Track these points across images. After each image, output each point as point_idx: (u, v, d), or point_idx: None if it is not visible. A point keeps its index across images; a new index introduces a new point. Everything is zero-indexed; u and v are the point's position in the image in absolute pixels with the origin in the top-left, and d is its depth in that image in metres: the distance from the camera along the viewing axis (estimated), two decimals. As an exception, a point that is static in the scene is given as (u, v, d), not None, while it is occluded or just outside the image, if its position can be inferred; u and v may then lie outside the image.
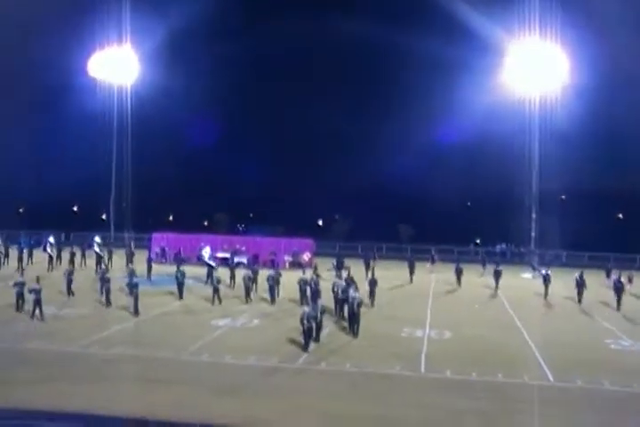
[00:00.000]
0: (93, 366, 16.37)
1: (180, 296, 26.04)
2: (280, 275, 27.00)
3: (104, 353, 17.48)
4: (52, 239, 35.99)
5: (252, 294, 26.44)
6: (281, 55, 62.00)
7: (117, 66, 53.89)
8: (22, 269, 32.71)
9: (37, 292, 21.26)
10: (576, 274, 28.85)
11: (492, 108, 49.82)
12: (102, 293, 24.17)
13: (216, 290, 25.20)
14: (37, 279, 22.02)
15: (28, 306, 21.83)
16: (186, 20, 54.73)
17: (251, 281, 26.65)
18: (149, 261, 32.36)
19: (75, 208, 75.65)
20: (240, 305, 25.31)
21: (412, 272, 34.40)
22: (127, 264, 32.12)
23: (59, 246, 36.24)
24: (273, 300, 25.78)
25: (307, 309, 18.81)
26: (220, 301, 25.11)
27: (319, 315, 19.23)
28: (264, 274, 27.35)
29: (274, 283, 25.98)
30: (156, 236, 40.57)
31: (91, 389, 14.57)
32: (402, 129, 59.18)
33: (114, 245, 39.25)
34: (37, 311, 21.23)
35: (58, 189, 56.12)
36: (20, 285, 22.22)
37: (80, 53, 55.17)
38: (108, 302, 23.85)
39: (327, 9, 57.61)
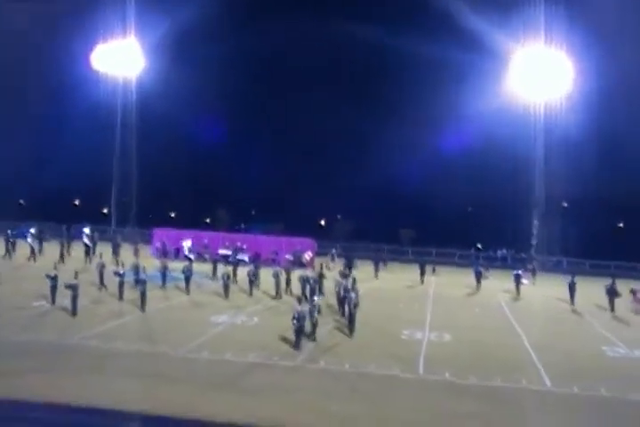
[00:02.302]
0: (91, 360, 16.35)
1: (187, 291, 26.19)
2: (281, 272, 27.26)
3: (103, 347, 17.47)
4: (32, 230, 35.65)
5: (254, 289, 26.94)
6: (288, 52, 61.86)
7: (122, 58, 53.86)
8: (10, 259, 33.24)
9: (75, 288, 21.13)
10: (608, 282, 28.69)
11: (497, 113, 49.83)
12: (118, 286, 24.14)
13: (226, 285, 25.67)
14: (76, 275, 21.97)
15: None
16: (191, 12, 54.65)
17: (254, 277, 27.17)
18: (136, 251, 33.29)
19: (76, 202, 75.68)
20: (243, 301, 25.53)
21: (422, 273, 35.10)
22: (114, 256, 32.76)
23: (40, 237, 36.10)
24: (277, 294, 26.32)
25: (299, 308, 18.78)
26: (227, 296, 25.54)
27: (315, 314, 19.24)
28: (267, 272, 27.78)
29: (278, 279, 26.49)
30: (157, 231, 40.59)
31: (85, 381, 14.56)
32: (406, 132, 59.13)
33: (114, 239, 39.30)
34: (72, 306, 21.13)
35: (59, 182, 56.09)
36: (54, 278, 22.21)
37: (84, 46, 55.24)
38: (121, 296, 23.88)
39: (334, 9, 57.64)
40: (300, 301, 19.19)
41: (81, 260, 33.46)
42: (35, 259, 33.23)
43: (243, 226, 66.44)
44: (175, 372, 15.72)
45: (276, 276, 26.58)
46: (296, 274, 27.48)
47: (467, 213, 67.30)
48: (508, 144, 49.12)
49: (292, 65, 62.90)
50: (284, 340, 19.02)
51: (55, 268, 23.32)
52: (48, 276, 22.41)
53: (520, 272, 32.65)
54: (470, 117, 53.14)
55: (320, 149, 64.25)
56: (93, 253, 34.67)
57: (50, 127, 58.08)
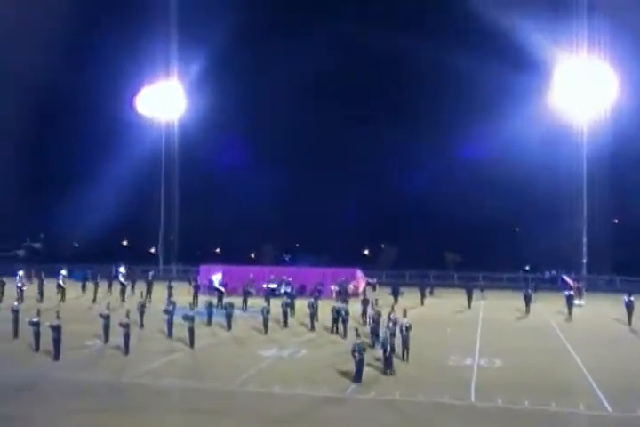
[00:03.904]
0: (142, 397, 16.58)
1: (229, 327, 26.38)
2: (318, 303, 27.44)
3: (153, 384, 17.70)
4: (64, 272, 37.77)
5: (289, 321, 27.24)
6: (323, 77, 61.92)
7: (164, 100, 55.73)
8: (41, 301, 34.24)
9: (125, 326, 21.71)
10: None
11: (541, 130, 49.05)
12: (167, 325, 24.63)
13: (265, 320, 25.73)
14: (127, 313, 22.45)
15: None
16: (226, 49, 56.36)
17: (288, 307, 27.62)
18: (169, 288, 34.02)
19: (124, 242, 77.54)
20: (283, 333, 25.72)
21: (469, 298, 34.86)
22: (147, 295, 33.46)
23: (85, 279, 39.06)
24: (312, 327, 26.33)
25: (357, 340, 18.63)
26: (267, 330, 25.60)
27: (388, 346, 18.93)
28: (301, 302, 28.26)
29: (314, 311, 26.57)
30: (203, 268, 41.19)
31: (137, 420, 14.76)
32: (446, 153, 58.85)
33: (160, 278, 40.51)
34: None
35: (107, 224, 57.62)
36: (107, 317, 22.89)
37: (128, 90, 57.35)
38: (170, 333, 24.30)
39: (360, 25, 57.18)
40: (357, 333, 19.09)
41: (117, 299, 34.52)
42: (63, 299, 35.01)
43: (287, 258, 66.84)
44: (232, 408, 15.75)
45: (311, 306, 26.61)
46: (329, 305, 27.45)
47: (514, 234, 66.18)
48: (553, 161, 48.25)
49: (328, 93, 63.06)
50: (335, 371, 18.94)
51: (108, 307, 23.94)
52: (101, 315, 23.05)
53: (572, 293, 31.88)
54: (513, 135, 52.21)
55: (360, 180, 64.37)
56: (132, 291, 36.44)
57: (96, 170, 59.81)
